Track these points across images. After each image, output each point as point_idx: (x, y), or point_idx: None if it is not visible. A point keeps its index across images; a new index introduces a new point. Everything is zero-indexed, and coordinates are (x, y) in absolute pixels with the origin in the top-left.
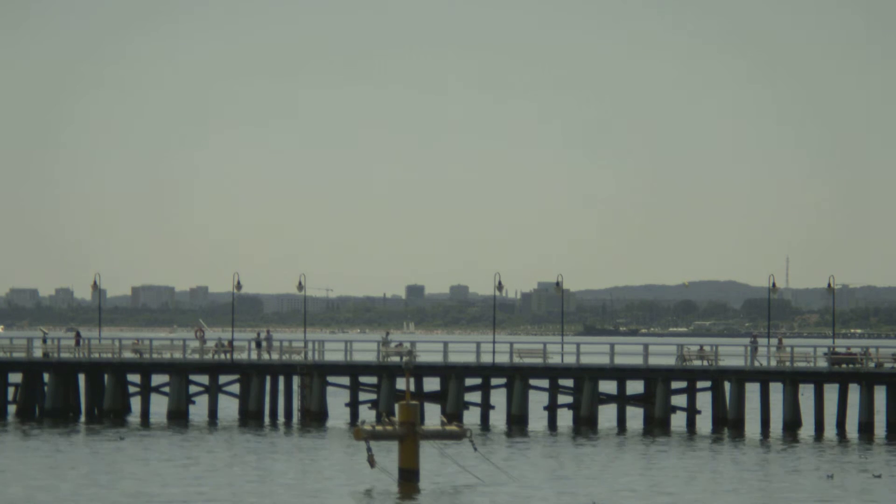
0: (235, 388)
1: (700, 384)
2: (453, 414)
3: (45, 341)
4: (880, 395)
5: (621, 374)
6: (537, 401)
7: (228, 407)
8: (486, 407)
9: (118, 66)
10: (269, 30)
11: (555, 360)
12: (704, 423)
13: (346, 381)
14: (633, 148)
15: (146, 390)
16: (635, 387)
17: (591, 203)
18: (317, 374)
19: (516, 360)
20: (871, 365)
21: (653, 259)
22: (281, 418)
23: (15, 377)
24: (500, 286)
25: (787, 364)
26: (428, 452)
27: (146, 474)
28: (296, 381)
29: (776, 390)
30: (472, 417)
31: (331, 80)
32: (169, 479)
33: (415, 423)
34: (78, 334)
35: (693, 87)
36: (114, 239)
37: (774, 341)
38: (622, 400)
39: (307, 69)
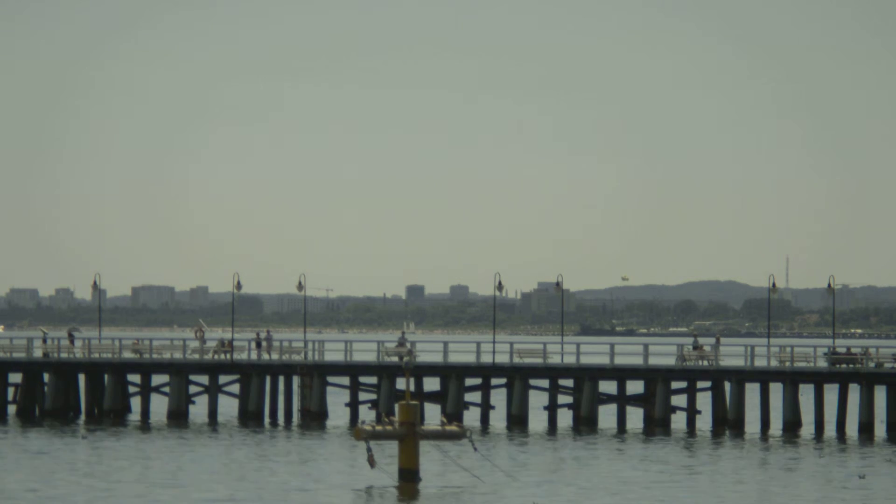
0: (235, 388)
1: (700, 384)
2: (453, 414)
3: (45, 341)
4: (880, 395)
5: (621, 374)
6: (537, 401)
7: (228, 407)
8: (486, 407)
9: (118, 66)
10: (269, 30)
11: (555, 360)
12: (704, 423)
13: (346, 381)
14: (633, 148)
15: (146, 390)
16: (635, 387)
17: (592, 203)
18: (317, 374)
19: (516, 360)
20: (871, 365)
21: (653, 259)
22: (281, 418)
23: (15, 377)
24: (500, 286)
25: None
26: (428, 452)
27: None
28: (296, 381)
29: (776, 390)
30: (472, 417)
31: (331, 79)
32: (127, 478)
33: (415, 423)
34: (70, 334)
35: (693, 87)
36: (114, 239)
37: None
38: (622, 400)
39: (307, 69)
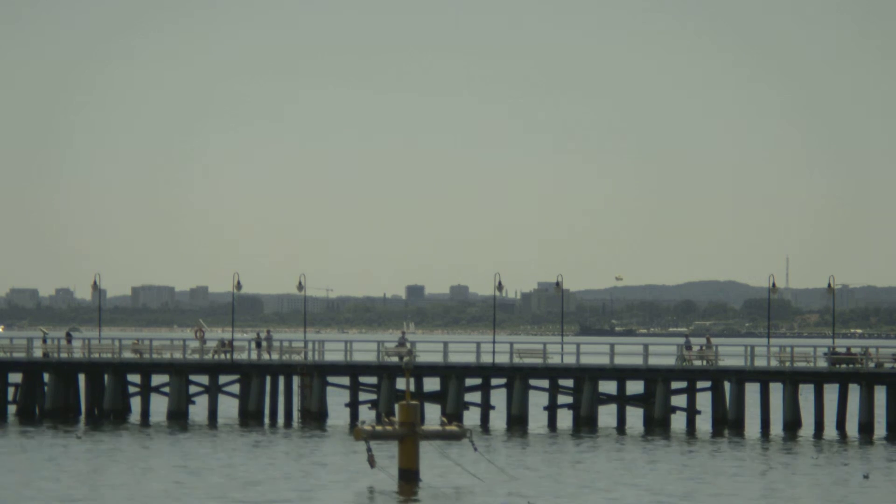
0: (235, 388)
1: (700, 384)
2: (453, 414)
3: (45, 341)
4: (880, 395)
5: (621, 374)
6: (537, 401)
7: (228, 407)
8: (486, 407)
9: (118, 66)
10: (270, 30)
11: (555, 360)
12: (704, 424)
13: (346, 381)
14: (632, 147)
15: (146, 390)
16: (635, 387)
17: (591, 203)
18: (317, 374)
19: (516, 360)
20: (871, 365)
21: (652, 259)
22: (281, 418)
23: (15, 377)
24: (500, 286)
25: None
26: (428, 452)
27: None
28: (296, 381)
29: (776, 390)
30: (472, 417)
31: (331, 80)
32: (117, 478)
33: (415, 423)
34: (68, 334)
35: (693, 87)
36: (114, 239)
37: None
38: (622, 400)
39: (307, 69)
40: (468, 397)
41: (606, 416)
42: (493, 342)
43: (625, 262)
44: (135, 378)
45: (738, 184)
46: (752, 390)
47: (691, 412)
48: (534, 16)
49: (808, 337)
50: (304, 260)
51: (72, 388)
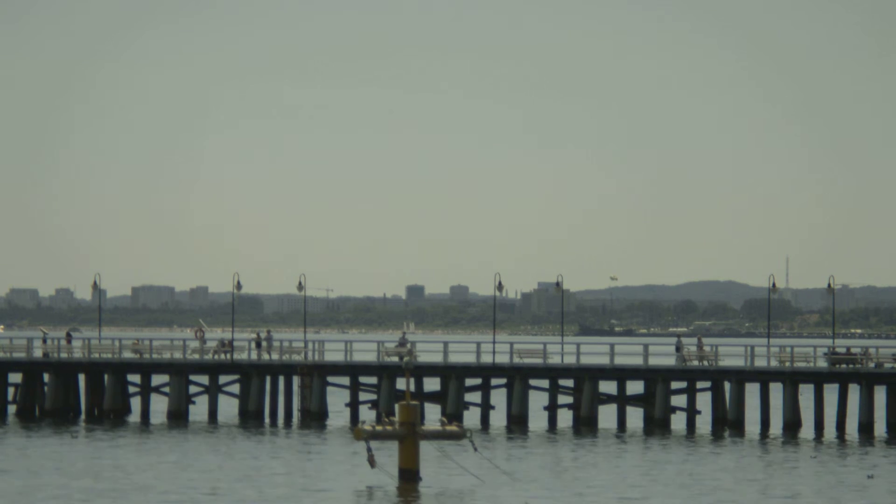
0: (235, 388)
1: (700, 384)
2: (453, 414)
3: (45, 341)
4: (880, 395)
5: (621, 374)
6: (537, 401)
7: (228, 407)
8: (486, 407)
9: (117, 67)
10: (270, 30)
11: (555, 360)
12: (704, 424)
13: (346, 381)
14: (632, 148)
15: (146, 390)
16: (635, 387)
17: (591, 203)
18: (317, 374)
19: (516, 360)
20: (871, 365)
21: (653, 259)
22: (281, 418)
23: (15, 377)
24: (500, 286)
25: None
26: (428, 452)
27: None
28: (296, 381)
29: (776, 390)
30: (472, 417)
31: (331, 80)
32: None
33: (415, 423)
34: (68, 334)
35: (693, 87)
36: (114, 239)
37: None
38: (622, 400)
39: (307, 70)
40: (468, 397)
41: (606, 416)
42: (493, 342)
43: (625, 262)
44: (135, 378)
45: (738, 184)
46: (752, 390)
47: (691, 412)
48: (534, 16)
49: (808, 337)
50: (304, 260)
51: (72, 388)
